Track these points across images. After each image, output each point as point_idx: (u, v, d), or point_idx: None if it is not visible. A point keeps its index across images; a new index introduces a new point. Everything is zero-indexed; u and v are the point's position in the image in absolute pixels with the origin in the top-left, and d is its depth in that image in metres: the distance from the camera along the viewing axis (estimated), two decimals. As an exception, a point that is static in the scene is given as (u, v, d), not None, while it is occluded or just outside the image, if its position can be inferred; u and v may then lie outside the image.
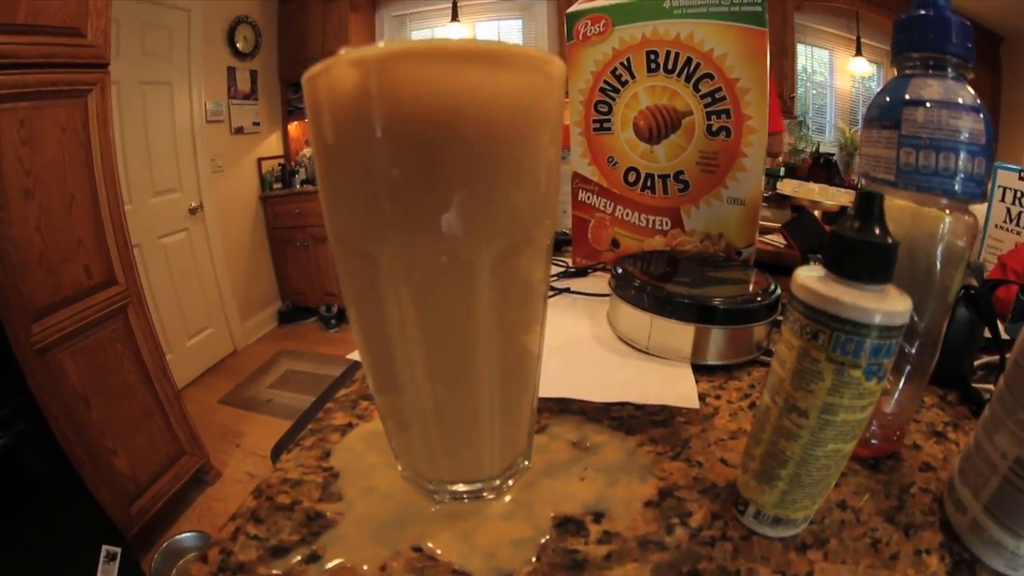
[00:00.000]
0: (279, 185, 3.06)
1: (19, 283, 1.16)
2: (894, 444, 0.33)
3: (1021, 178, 0.61)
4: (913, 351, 0.31)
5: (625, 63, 0.57)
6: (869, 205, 0.21)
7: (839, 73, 3.06)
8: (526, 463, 0.31)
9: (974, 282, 0.43)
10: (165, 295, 2.26)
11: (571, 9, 0.58)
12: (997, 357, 0.42)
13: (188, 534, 1.49)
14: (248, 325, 2.88)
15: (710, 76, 0.53)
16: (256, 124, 2.93)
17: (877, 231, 0.21)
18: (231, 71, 2.69)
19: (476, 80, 0.19)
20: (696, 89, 0.54)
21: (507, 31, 3.06)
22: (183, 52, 2.37)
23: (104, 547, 1.28)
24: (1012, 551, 0.24)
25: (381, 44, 0.18)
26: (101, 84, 1.37)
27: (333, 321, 3.04)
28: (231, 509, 1.67)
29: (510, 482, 0.30)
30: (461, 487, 0.29)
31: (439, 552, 0.26)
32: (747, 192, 0.55)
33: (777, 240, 0.75)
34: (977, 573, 0.25)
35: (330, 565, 0.26)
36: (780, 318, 0.43)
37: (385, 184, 0.20)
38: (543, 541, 0.27)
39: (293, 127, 3.21)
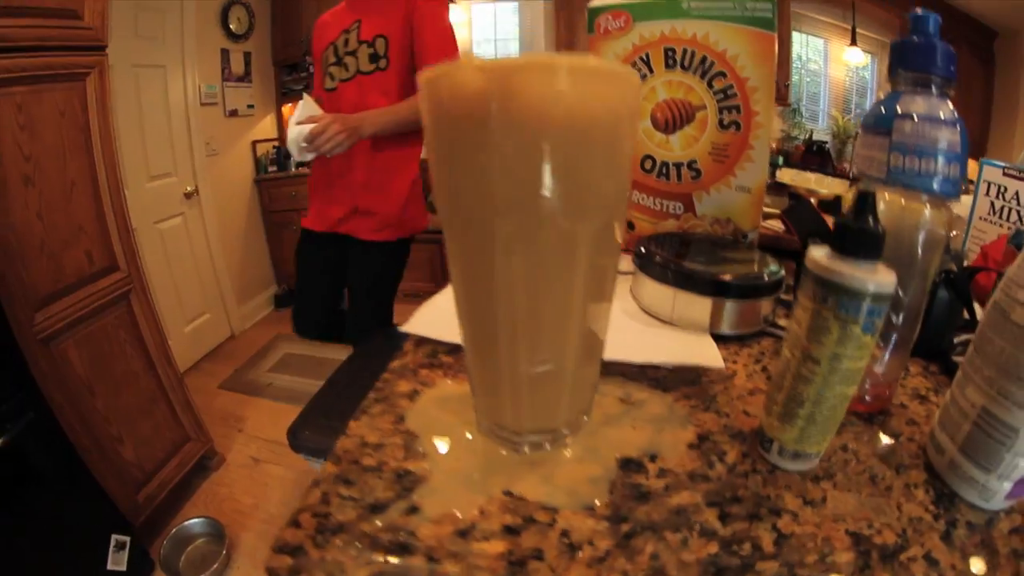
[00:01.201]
0: (274, 168, 3.04)
1: (21, 271, 1.13)
2: (884, 402, 0.39)
3: (1005, 174, 0.66)
4: (899, 321, 0.36)
5: (644, 58, 0.60)
6: (864, 201, 0.27)
7: (834, 62, 3.08)
8: (586, 418, 0.36)
9: (954, 268, 0.48)
10: (162, 281, 2.24)
11: (593, 4, 0.61)
12: (974, 336, 0.47)
13: (196, 520, 1.48)
14: (245, 309, 2.87)
15: (723, 74, 0.57)
16: (250, 107, 2.89)
17: (870, 220, 0.27)
18: (225, 53, 2.65)
19: (579, 89, 0.23)
20: (710, 86, 0.58)
21: (503, 13, 3.05)
22: (176, 34, 2.33)
23: (113, 536, 1.27)
24: (983, 484, 0.29)
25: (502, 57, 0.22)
26: (99, 67, 1.33)
27: (329, 304, 3.02)
28: (237, 494, 1.66)
29: (569, 440, 0.34)
30: (536, 437, 0.33)
31: (527, 494, 0.30)
32: (753, 181, 0.59)
33: (776, 225, 0.78)
34: (956, 505, 0.30)
35: (433, 514, 0.28)
36: (784, 296, 0.50)
37: (502, 171, 0.24)
38: (612, 478, 0.32)
39: (287, 109, 3.16)
